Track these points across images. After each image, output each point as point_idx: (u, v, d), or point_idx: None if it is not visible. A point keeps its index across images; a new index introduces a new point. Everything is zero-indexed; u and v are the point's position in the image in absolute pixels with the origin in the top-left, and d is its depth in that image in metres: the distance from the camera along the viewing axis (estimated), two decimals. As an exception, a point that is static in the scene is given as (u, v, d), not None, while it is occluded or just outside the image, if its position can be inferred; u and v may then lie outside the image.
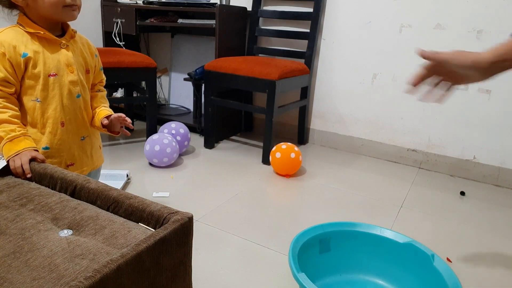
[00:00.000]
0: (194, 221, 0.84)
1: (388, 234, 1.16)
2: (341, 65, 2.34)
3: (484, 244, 1.47)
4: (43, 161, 0.90)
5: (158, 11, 2.51)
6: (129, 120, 1.10)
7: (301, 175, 1.99)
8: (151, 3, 2.47)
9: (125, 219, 0.74)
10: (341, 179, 1.97)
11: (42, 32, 0.95)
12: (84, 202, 0.79)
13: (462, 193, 1.89)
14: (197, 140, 2.40)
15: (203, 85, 2.40)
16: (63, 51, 1.00)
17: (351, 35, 2.27)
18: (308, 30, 2.32)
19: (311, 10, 2.31)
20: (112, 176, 1.72)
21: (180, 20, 2.43)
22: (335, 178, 1.98)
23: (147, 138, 2.02)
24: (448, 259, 1.33)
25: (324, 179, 1.96)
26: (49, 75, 0.97)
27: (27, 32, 0.96)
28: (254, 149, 2.32)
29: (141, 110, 2.67)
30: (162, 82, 2.98)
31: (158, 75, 2.83)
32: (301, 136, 2.48)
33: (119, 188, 1.05)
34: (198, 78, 2.48)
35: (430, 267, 1.05)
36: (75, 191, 0.82)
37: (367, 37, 2.23)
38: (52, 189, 0.84)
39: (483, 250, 1.42)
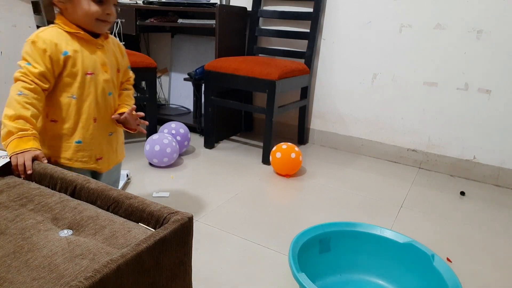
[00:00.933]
0: (194, 221, 0.84)
1: (388, 234, 1.16)
2: (341, 65, 2.34)
3: (484, 244, 1.47)
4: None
5: (158, 11, 2.51)
6: (141, 115, 1.15)
7: (301, 175, 1.99)
8: (151, 3, 2.47)
9: (125, 219, 0.74)
10: (341, 179, 1.97)
11: (81, 33, 0.99)
12: (84, 202, 0.79)
13: (462, 193, 1.89)
14: (197, 140, 2.40)
15: (203, 85, 2.40)
16: (99, 51, 1.03)
17: (351, 35, 2.27)
18: (308, 30, 2.32)
19: (311, 10, 2.31)
20: (112, 176, 1.72)
21: (180, 20, 2.43)
22: (335, 178, 1.98)
23: (147, 138, 2.02)
24: (448, 259, 1.33)
25: (324, 179, 1.96)
26: (86, 74, 1.00)
27: (66, 32, 0.99)
28: (254, 149, 2.32)
29: (141, 110, 2.67)
30: (162, 82, 2.98)
31: (158, 75, 2.83)
32: (301, 136, 2.48)
33: (119, 188, 1.05)
34: (198, 78, 2.48)
35: (430, 267, 1.05)
36: (75, 191, 0.82)
37: (367, 37, 2.23)
38: (52, 189, 0.84)
39: (483, 250, 1.42)
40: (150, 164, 1.98)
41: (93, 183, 0.81)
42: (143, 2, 2.51)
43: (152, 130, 2.25)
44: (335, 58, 2.35)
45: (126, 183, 1.75)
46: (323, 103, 2.46)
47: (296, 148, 1.93)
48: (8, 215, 0.71)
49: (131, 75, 1.23)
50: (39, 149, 0.93)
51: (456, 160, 2.12)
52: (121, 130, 1.18)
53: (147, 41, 2.98)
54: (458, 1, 1.96)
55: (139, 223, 0.73)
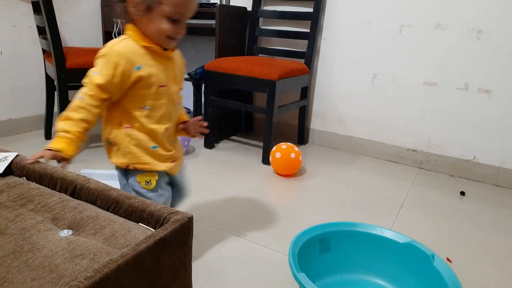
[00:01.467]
0: (194, 221, 0.84)
1: (388, 234, 1.16)
2: (341, 65, 2.34)
3: (484, 244, 1.47)
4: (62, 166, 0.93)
5: (158, 11, 2.51)
6: (204, 124, 1.19)
7: (301, 175, 1.99)
8: (151, 3, 2.47)
9: (125, 219, 0.74)
10: (341, 179, 1.97)
11: (154, 47, 1.00)
12: (84, 202, 0.79)
13: (462, 193, 1.89)
14: (197, 140, 2.40)
15: (203, 85, 2.40)
16: (170, 63, 1.06)
17: (351, 35, 2.27)
18: (308, 30, 2.32)
19: (311, 10, 2.31)
20: (112, 176, 1.71)
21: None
22: (335, 178, 1.98)
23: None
24: (448, 259, 1.33)
25: (324, 179, 1.96)
26: (160, 86, 1.02)
27: (139, 45, 1.00)
28: (254, 149, 2.32)
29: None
30: (162, 82, 2.98)
31: (158, 75, 2.82)
32: (301, 136, 2.48)
33: (119, 188, 1.05)
34: (198, 78, 2.48)
35: (430, 267, 1.05)
36: (75, 191, 0.82)
37: (367, 37, 2.23)
38: (52, 189, 0.84)
39: (483, 250, 1.43)
40: (150, 164, 1.98)
41: (93, 183, 0.81)
42: (143, 2, 2.52)
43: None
44: (335, 58, 2.35)
45: (126, 183, 1.74)
46: (323, 103, 2.46)
47: (296, 148, 1.93)
48: (8, 215, 0.71)
49: (182, 86, 1.25)
50: (68, 154, 0.94)
51: (456, 160, 2.12)
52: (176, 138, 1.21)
53: (147, 41, 2.98)
54: (458, 1, 1.96)
55: (139, 223, 0.73)
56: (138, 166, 1.05)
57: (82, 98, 0.96)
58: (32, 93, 2.38)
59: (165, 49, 1.04)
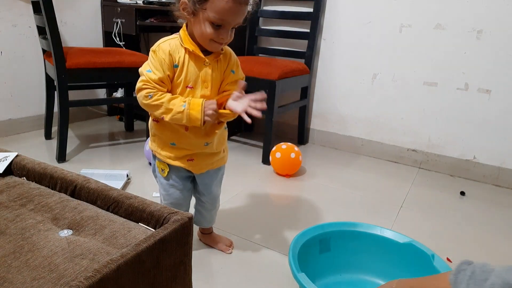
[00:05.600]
0: (194, 220, 0.84)
1: (388, 234, 1.16)
2: (341, 65, 2.34)
3: (484, 244, 1.47)
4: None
5: (158, 11, 2.51)
6: (260, 96, 1.04)
7: (301, 175, 1.99)
8: (151, 3, 2.47)
9: (125, 219, 0.74)
10: (341, 179, 1.97)
11: (191, 50, 1.05)
12: (84, 202, 0.79)
13: (462, 193, 1.89)
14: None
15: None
16: (205, 68, 1.08)
17: (351, 35, 2.27)
18: (308, 30, 2.32)
19: (311, 10, 2.31)
20: (112, 176, 1.72)
21: (180, 20, 2.42)
22: (335, 178, 1.98)
23: (147, 138, 2.02)
24: (448, 259, 1.32)
25: (324, 179, 1.96)
26: (187, 86, 1.07)
27: (182, 46, 1.06)
28: (254, 149, 2.32)
29: (141, 110, 2.66)
30: (162, 82, 2.97)
31: (158, 75, 2.81)
32: (301, 136, 2.48)
33: (119, 188, 1.05)
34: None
35: (430, 267, 1.05)
36: (75, 191, 0.82)
37: (367, 37, 2.23)
38: (52, 189, 0.84)
39: (483, 250, 1.43)
40: (150, 164, 1.98)
41: (93, 183, 0.81)
42: (143, 2, 2.51)
43: (152, 130, 2.25)
44: (335, 58, 2.35)
45: (126, 183, 1.75)
46: (323, 103, 2.46)
47: (296, 148, 1.93)
48: (8, 215, 0.71)
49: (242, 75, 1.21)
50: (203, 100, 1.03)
51: (456, 160, 2.12)
52: (221, 140, 1.19)
53: (147, 41, 2.98)
54: (458, 1, 1.96)
55: (139, 223, 0.73)
56: (157, 155, 1.15)
57: (151, 95, 1.02)
58: (32, 93, 2.38)
59: (208, 54, 1.07)
